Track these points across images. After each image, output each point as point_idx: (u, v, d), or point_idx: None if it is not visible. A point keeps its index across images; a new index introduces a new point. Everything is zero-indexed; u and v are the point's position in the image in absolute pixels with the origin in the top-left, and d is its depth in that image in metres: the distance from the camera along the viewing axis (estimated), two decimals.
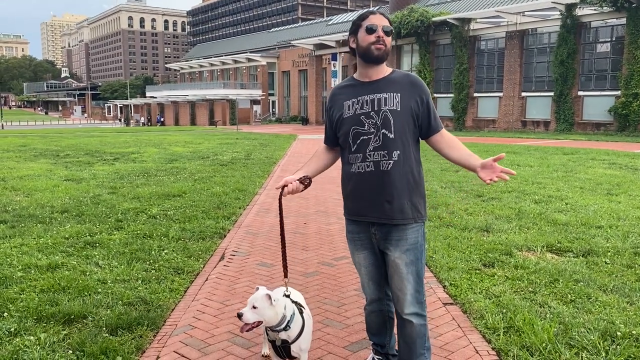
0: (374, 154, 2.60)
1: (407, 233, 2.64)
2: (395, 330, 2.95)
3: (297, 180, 2.74)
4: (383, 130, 2.59)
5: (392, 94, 2.61)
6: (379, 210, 2.63)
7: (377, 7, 63.13)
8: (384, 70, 2.69)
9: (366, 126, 2.62)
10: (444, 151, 2.71)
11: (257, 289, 2.66)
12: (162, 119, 68.14)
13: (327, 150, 2.92)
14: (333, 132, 2.79)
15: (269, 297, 2.57)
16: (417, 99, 2.63)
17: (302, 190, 2.77)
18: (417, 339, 2.71)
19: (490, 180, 2.51)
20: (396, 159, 2.59)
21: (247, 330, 2.62)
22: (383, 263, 2.77)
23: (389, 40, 2.63)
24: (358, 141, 2.64)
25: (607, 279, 4.59)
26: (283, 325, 2.63)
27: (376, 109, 2.61)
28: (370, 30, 2.61)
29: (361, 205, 2.68)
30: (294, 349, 2.68)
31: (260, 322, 2.58)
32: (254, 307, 2.56)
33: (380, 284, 2.84)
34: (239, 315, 2.57)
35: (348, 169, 2.71)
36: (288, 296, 2.76)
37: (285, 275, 2.86)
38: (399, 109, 2.59)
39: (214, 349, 3.41)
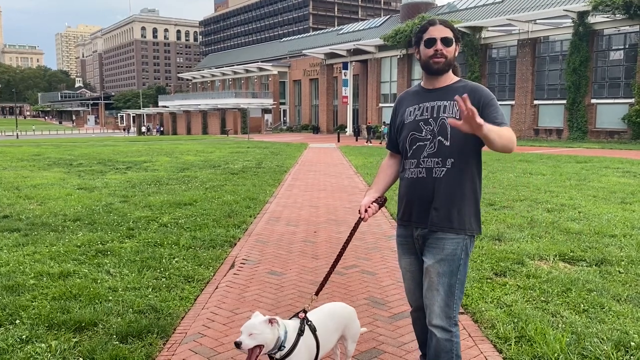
0: (427, 161, 2.61)
1: (445, 243, 2.59)
2: None
3: (373, 202, 2.79)
4: (439, 138, 2.58)
5: (452, 102, 2.57)
6: (425, 217, 2.63)
7: (387, 17, 63.15)
8: (448, 79, 2.69)
9: (423, 132, 2.63)
10: None
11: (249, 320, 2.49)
12: (161, 129, 69.14)
13: (391, 159, 2.91)
14: (395, 137, 2.82)
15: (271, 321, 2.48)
16: (475, 104, 2.45)
17: (379, 209, 2.83)
18: (442, 353, 2.61)
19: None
20: (449, 166, 2.57)
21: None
22: None
23: (450, 50, 2.61)
24: (414, 147, 2.65)
25: (620, 289, 4.54)
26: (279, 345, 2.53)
27: (435, 115, 2.61)
28: (429, 44, 2.60)
29: (410, 211, 2.70)
30: None
31: (262, 347, 2.47)
32: (251, 334, 2.44)
33: None
34: (237, 345, 2.44)
35: (403, 175, 2.75)
36: (305, 312, 2.68)
37: (317, 293, 2.82)
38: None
39: (224, 357, 3.41)
